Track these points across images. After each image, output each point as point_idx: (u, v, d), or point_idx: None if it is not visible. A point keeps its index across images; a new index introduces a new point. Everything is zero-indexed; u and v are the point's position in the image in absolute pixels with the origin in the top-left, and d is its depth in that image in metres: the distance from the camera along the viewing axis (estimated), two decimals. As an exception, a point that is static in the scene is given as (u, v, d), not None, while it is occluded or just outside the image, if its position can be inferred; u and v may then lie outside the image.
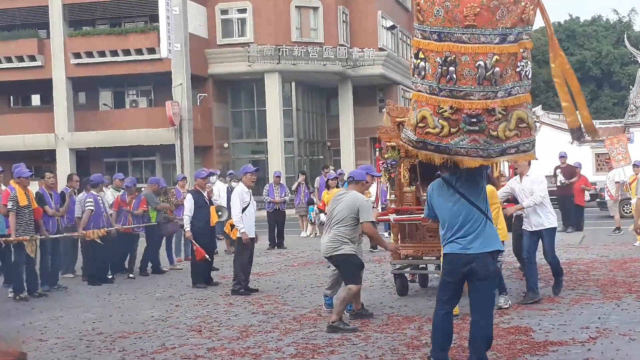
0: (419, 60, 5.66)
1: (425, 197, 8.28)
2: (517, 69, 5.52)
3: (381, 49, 36.88)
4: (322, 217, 14.28)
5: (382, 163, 9.85)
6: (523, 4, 5.47)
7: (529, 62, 5.60)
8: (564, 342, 6.77)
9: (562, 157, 18.11)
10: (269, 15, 34.31)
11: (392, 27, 39.27)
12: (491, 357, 6.31)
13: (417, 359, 6.41)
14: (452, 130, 5.53)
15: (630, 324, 7.42)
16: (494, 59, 5.42)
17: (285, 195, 17.60)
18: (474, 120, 5.48)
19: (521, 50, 5.51)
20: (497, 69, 5.42)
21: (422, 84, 5.63)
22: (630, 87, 39.40)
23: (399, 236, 9.76)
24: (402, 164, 9.81)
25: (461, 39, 5.45)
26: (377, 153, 10.77)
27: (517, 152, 5.67)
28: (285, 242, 17.33)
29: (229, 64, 34.02)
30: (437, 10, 5.49)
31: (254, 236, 10.69)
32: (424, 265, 10.18)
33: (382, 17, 38.08)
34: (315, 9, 35.15)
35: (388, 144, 9.73)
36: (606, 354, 6.32)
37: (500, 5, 5.42)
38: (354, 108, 37.22)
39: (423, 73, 5.60)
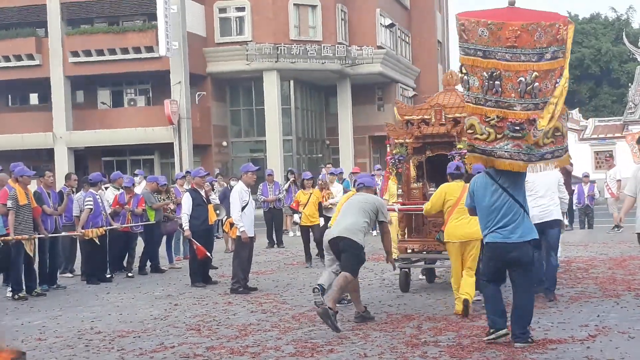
0: (462, 74, 6.49)
1: (431, 193, 9.35)
2: (556, 84, 6.24)
3: (380, 47, 36.88)
4: (296, 217, 14.15)
5: (390, 158, 10.15)
6: (557, 25, 6.23)
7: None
8: (563, 340, 6.77)
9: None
10: (268, 14, 34.29)
11: (391, 25, 39.26)
12: (490, 355, 6.31)
13: (416, 357, 6.40)
14: (498, 136, 6.33)
15: (630, 322, 7.41)
16: (533, 75, 6.17)
17: (279, 193, 17.48)
18: (517, 128, 6.24)
19: (559, 67, 6.24)
20: (536, 83, 6.18)
21: (469, 96, 6.46)
22: (629, 84, 39.42)
23: (405, 231, 9.97)
24: (409, 161, 10.08)
25: (504, 57, 6.20)
26: (388, 148, 11.14)
27: (553, 157, 6.47)
28: (283, 240, 17.33)
29: (227, 62, 33.99)
30: (482, 31, 6.24)
31: (253, 235, 10.68)
32: (431, 261, 10.26)
33: (381, 15, 38.07)
34: (314, 7, 35.13)
35: (396, 140, 10.01)
36: (605, 352, 6.32)
37: (537, 28, 6.17)
38: (352, 106, 37.22)
39: (468, 86, 6.41)
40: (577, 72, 54.02)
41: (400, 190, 10.32)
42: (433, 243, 9.56)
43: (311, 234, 13.68)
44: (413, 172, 10.16)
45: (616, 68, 54.61)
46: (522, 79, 6.17)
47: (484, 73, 6.27)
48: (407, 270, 9.95)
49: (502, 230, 6.55)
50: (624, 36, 42.96)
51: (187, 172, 17.88)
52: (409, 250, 9.94)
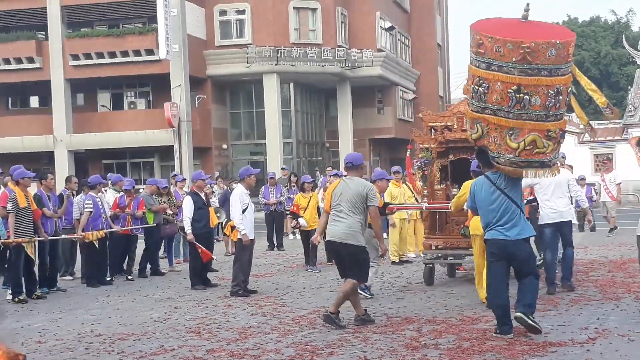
0: (479, 87, 6.81)
1: (454, 193, 10.00)
2: (567, 98, 6.90)
3: (380, 50, 36.91)
4: (303, 222, 13.36)
5: (416, 162, 11.17)
6: (570, 48, 6.77)
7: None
8: (563, 342, 6.77)
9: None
10: (268, 17, 34.32)
11: (391, 28, 39.30)
12: (490, 358, 6.31)
13: (416, 360, 6.41)
14: (555, 146, 6.92)
15: (630, 325, 7.42)
16: (562, 88, 6.77)
17: (281, 196, 17.49)
18: (563, 135, 6.94)
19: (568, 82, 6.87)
20: (560, 97, 6.80)
21: (527, 113, 6.71)
22: (629, 87, 39.45)
23: (430, 228, 10.88)
24: (434, 164, 10.86)
25: (527, 72, 6.60)
26: (408, 152, 13.09)
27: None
28: (283, 243, 17.33)
29: (227, 65, 34.02)
30: (498, 47, 6.62)
31: (253, 238, 10.69)
32: (452, 257, 11.04)
33: (381, 18, 38.11)
34: (314, 10, 35.17)
35: (421, 145, 10.95)
36: (605, 354, 6.32)
37: (551, 47, 6.61)
38: (352, 109, 37.24)
39: (526, 104, 6.67)
40: (576, 75, 54.08)
41: (425, 191, 11.18)
42: (456, 240, 10.43)
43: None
44: (437, 175, 10.93)
45: (616, 71, 54.65)
46: (551, 92, 6.69)
47: (549, 91, 6.70)
48: (431, 265, 10.72)
49: (501, 228, 7.13)
50: (623, 39, 42.99)
51: (174, 175, 17.22)
52: (433, 247, 10.70)
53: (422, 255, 12.05)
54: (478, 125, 6.95)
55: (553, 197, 9.57)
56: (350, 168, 8.33)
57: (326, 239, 8.24)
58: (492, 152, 6.96)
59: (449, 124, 10.73)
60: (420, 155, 11.00)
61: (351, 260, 8.00)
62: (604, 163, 16.24)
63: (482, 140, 6.97)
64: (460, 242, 10.30)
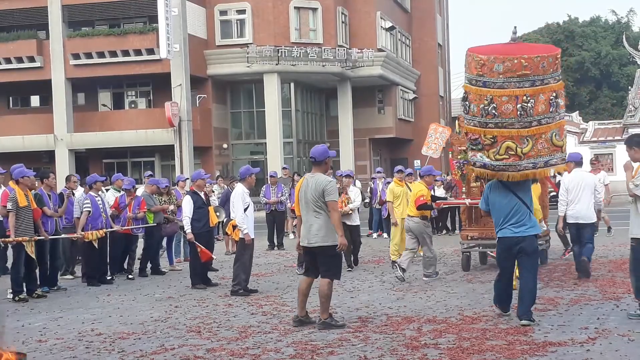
0: (488, 104, 7.55)
1: None
2: (551, 104, 7.62)
3: (380, 50, 36.92)
4: None
5: (456, 162, 12.36)
6: (558, 57, 7.70)
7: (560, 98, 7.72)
8: (563, 342, 6.78)
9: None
10: (268, 16, 34.33)
11: (391, 28, 39.31)
12: (490, 358, 6.32)
13: (416, 359, 6.41)
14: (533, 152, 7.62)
15: (630, 325, 7.43)
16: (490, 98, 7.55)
17: (281, 195, 17.48)
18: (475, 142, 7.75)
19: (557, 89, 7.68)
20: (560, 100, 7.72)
21: (522, 121, 7.51)
22: (629, 87, 39.43)
23: (466, 221, 12.33)
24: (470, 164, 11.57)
25: (523, 85, 7.45)
26: (451, 155, 14.29)
27: (547, 165, 7.77)
28: (284, 243, 17.34)
29: (228, 64, 34.03)
30: (498, 66, 7.46)
31: (253, 237, 10.69)
32: (486, 246, 12.15)
33: (381, 18, 38.12)
34: (314, 9, 35.18)
35: (459, 148, 11.86)
36: (605, 354, 6.33)
37: (543, 60, 7.51)
38: (353, 109, 37.26)
39: (529, 110, 7.48)
40: (577, 75, 54.06)
41: (464, 189, 12.40)
42: (489, 231, 11.52)
43: None
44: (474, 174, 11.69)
45: (616, 71, 54.62)
46: (553, 95, 7.63)
47: (545, 96, 7.56)
48: (468, 253, 12.14)
49: (512, 226, 7.78)
50: (624, 39, 42.99)
51: (179, 180, 17.01)
52: (469, 237, 12.08)
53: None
54: (528, 138, 7.59)
55: (576, 198, 10.80)
56: (314, 163, 8.09)
57: (300, 244, 8.13)
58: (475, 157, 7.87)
59: None
60: (459, 157, 12.04)
61: (320, 258, 7.90)
62: (592, 163, 16.14)
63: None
64: (493, 233, 10.66)
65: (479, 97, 7.57)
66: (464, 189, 12.43)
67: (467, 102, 7.77)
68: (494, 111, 7.51)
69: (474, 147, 7.77)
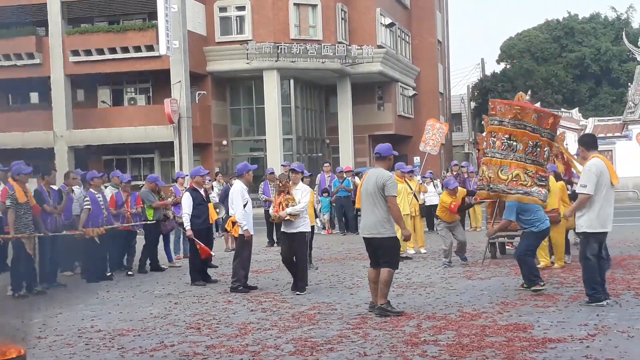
0: (497, 139, 9.71)
1: None
2: (545, 154, 9.63)
3: (380, 47, 36.88)
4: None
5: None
6: (554, 118, 9.70)
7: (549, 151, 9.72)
8: (563, 339, 6.78)
9: None
10: (268, 13, 34.28)
11: (391, 25, 39.25)
12: (489, 354, 6.32)
13: (415, 356, 6.42)
14: (534, 183, 9.47)
15: (629, 321, 7.43)
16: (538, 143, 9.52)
17: None
18: (540, 179, 9.54)
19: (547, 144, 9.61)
20: (538, 149, 9.50)
21: (514, 156, 9.56)
22: (629, 84, 39.41)
23: (491, 214, 13.10)
24: None
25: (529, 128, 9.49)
26: (478, 152, 14.61)
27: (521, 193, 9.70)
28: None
29: (227, 61, 33.99)
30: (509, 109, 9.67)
31: (252, 233, 10.68)
32: (504, 238, 13.10)
33: (381, 15, 38.07)
34: (314, 6, 35.13)
35: (483, 147, 11.94)
36: (604, 351, 6.33)
37: (544, 115, 9.66)
38: (352, 105, 37.23)
39: (514, 148, 9.56)
40: (576, 72, 54.00)
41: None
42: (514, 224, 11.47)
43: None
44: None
45: (616, 68, 54.53)
46: (531, 143, 9.48)
47: (530, 141, 9.50)
48: (493, 243, 13.18)
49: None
50: (623, 36, 42.96)
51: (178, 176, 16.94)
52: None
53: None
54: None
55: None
56: (378, 158, 8.56)
57: (359, 233, 8.88)
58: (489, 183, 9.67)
59: None
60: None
61: (380, 250, 8.29)
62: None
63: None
64: (515, 226, 11.14)
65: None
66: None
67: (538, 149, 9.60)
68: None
69: (542, 184, 9.49)
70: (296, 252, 10.15)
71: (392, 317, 8.06)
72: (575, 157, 13.56)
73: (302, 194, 10.29)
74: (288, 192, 10.24)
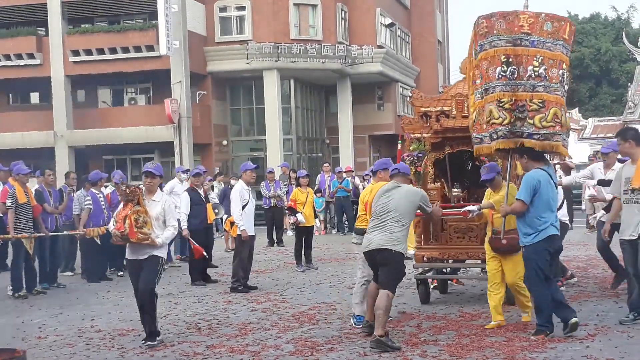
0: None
1: (455, 193, 9.52)
2: (560, 76, 7.00)
3: (380, 47, 36.86)
4: (300, 217, 12.61)
5: (408, 156, 9.17)
6: (563, 23, 7.16)
7: (566, 73, 7.11)
8: (563, 339, 6.78)
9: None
10: (268, 13, 34.28)
11: (391, 25, 39.24)
12: (489, 354, 6.32)
13: (415, 356, 6.42)
14: (512, 119, 6.95)
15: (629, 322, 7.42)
16: (541, 60, 6.94)
17: (279, 190, 17.39)
18: (522, 109, 6.93)
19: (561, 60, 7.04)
20: (544, 67, 6.93)
21: (561, 90, 7.02)
22: (629, 84, 39.41)
23: (422, 237, 8.84)
24: (427, 158, 9.02)
25: (520, 43, 6.98)
26: (399, 146, 10.95)
27: (545, 140, 6.96)
28: (283, 239, 17.33)
29: (227, 61, 33.97)
30: (500, 23, 7.12)
31: (253, 234, 10.69)
32: (445, 270, 9.43)
33: (381, 15, 38.06)
34: (314, 6, 35.13)
35: (412, 135, 9.08)
36: (604, 351, 6.33)
37: (547, 20, 7.09)
38: (352, 105, 37.21)
39: (566, 80, 7.08)
40: (576, 72, 53.98)
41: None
42: (455, 251, 8.65)
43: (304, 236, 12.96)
44: (431, 171, 9.02)
45: (616, 68, 54.56)
46: (535, 62, 6.94)
47: (502, 57, 6.99)
48: (424, 281, 8.96)
49: (555, 223, 7.02)
50: (623, 36, 42.95)
51: (187, 170, 17.17)
52: (426, 259, 8.85)
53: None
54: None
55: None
56: (397, 174, 7.43)
57: (363, 250, 7.28)
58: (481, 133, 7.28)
59: (445, 108, 8.68)
60: (411, 148, 9.13)
61: (388, 268, 7.05)
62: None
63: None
64: (460, 254, 8.64)
65: (526, 59, 6.94)
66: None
67: (510, 67, 6.95)
68: (544, 73, 6.91)
69: (520, 115, 6.89)
70: (146, 284, 7.36)
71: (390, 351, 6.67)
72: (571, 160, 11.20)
73: (167, 210, 7.52)
74: (138, 202, 7.40)
